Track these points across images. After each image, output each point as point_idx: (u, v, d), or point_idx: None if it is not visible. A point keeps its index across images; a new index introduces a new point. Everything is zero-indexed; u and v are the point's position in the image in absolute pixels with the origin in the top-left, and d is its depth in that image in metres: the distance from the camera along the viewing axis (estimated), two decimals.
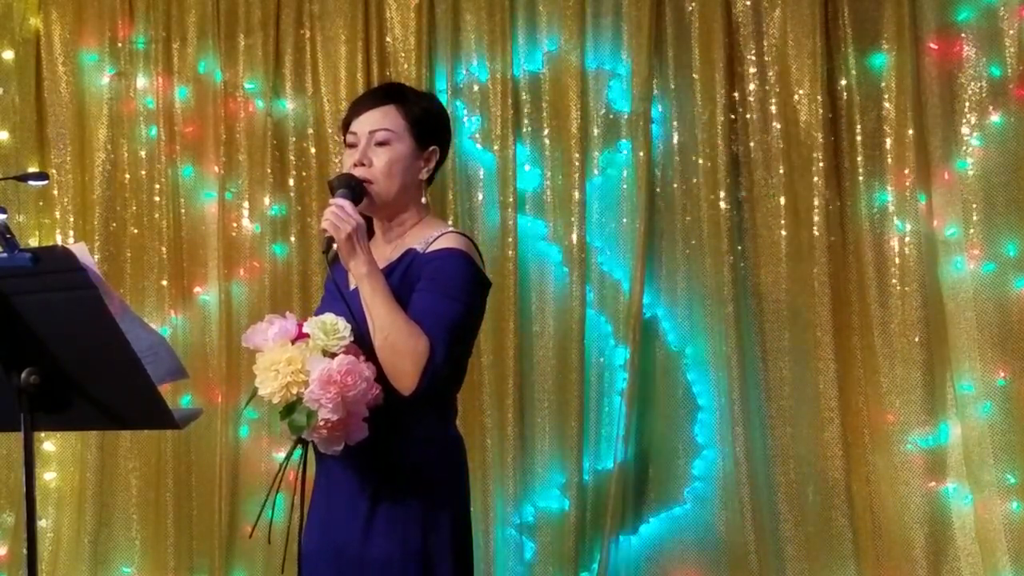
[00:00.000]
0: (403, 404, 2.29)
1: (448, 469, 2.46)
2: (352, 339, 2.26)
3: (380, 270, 2.34)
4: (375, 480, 2.36)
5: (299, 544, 2.47)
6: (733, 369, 4.18)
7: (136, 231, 4.62)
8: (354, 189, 2.38)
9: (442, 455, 2.45)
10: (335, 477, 2.40)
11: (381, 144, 2.43)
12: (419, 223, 2.49)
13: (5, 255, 1.95)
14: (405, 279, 2.38)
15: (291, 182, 4.52)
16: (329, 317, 2.27)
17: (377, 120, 2.44)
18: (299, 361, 2.21)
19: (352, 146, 2.45)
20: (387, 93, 2.52)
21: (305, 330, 2.27)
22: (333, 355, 2.23)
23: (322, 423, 2.20)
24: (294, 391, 2.21)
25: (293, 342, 2.26)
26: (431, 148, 2.48)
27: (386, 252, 2.46)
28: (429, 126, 2.48)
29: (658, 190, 4.30)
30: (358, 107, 2.49)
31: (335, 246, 2.31)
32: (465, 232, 2.54)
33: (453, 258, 2.38)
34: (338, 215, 2.30)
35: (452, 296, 2.34)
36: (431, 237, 2.42)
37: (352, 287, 2.39)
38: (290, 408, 2.22)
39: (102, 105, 4.65)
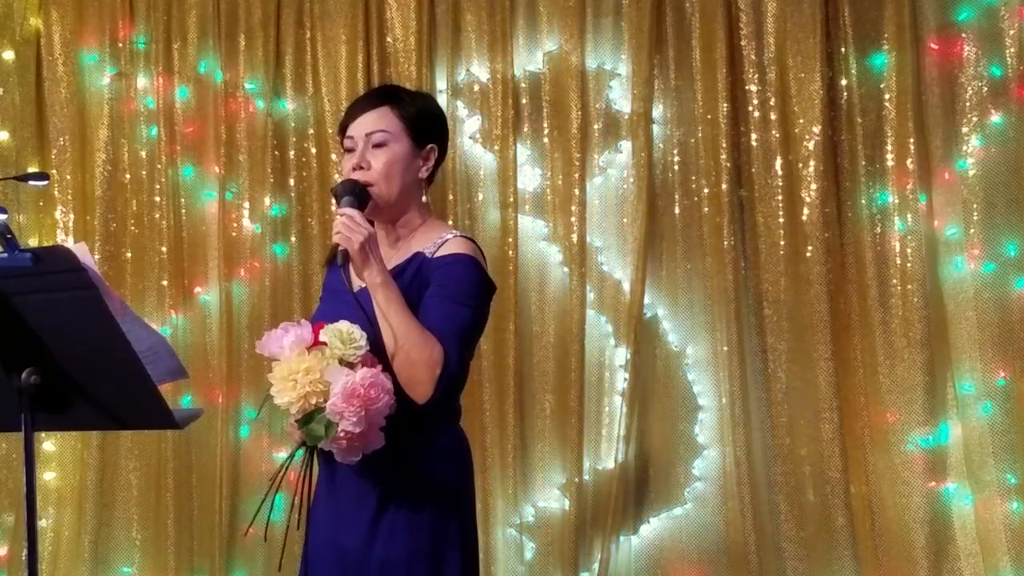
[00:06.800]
0: (410, 407, 2.28)
1: (454, 469, 2.46)
2: (368, 348, 2.24)
3: (392, 278, 2.33)
4: (382, 482, 2.35)
5: (305, 545, 2.47)
6: (733, 369, 4.18)
7: (136, 231, 4.62)
8: (358, 195, 2.37)
9: (448, 455, 2.45)
10: (340, 479, 2.39)
11: (378, 146, 2.42)
12: (423, 225, 2.49)
13: (5, 255, 1.94)
14: (414, 282, 2.37)
15: (291, 182, 4.52)
16: (345, 325, 2.24)
17: (372, 122, 2.44)
18: (317, 370, 2.18)
19: (350, 150, 2.45)
20: (381, 95, 2.51)
21: (322, 338, 2.24)
22: (350, 364, 2.21)
23: (343, 435, 2.18)
24: (312, 401, 2.18)
25: (308, 349, 2.23)
26: (429, 147, 2.48)
27: (391, 254, 2.45)
28: (425, 125, 2.48)
29: (658, 190, 4.30)
30: (353, 111, 2.49)
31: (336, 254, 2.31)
32: (470, 236, 2.53)
33: (463, 264, 2.38)
34: (348, 226, 2.28)
35: (463, 303, 2.34)
36: (439, 240, 2.42)
37: (357, 288, 2.37)
38: (308, 418, 2.20)
39: (102, 105, 4.65)
